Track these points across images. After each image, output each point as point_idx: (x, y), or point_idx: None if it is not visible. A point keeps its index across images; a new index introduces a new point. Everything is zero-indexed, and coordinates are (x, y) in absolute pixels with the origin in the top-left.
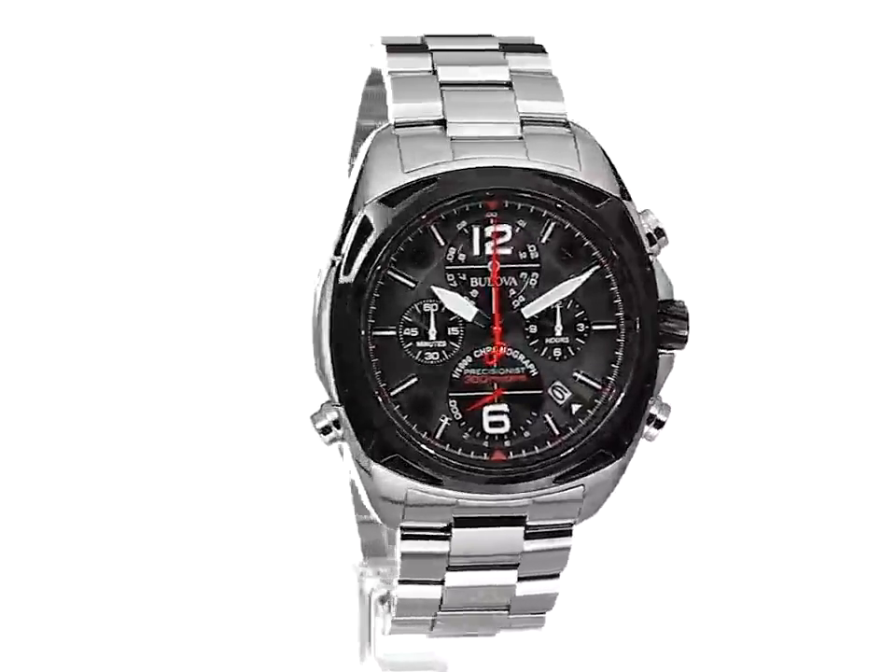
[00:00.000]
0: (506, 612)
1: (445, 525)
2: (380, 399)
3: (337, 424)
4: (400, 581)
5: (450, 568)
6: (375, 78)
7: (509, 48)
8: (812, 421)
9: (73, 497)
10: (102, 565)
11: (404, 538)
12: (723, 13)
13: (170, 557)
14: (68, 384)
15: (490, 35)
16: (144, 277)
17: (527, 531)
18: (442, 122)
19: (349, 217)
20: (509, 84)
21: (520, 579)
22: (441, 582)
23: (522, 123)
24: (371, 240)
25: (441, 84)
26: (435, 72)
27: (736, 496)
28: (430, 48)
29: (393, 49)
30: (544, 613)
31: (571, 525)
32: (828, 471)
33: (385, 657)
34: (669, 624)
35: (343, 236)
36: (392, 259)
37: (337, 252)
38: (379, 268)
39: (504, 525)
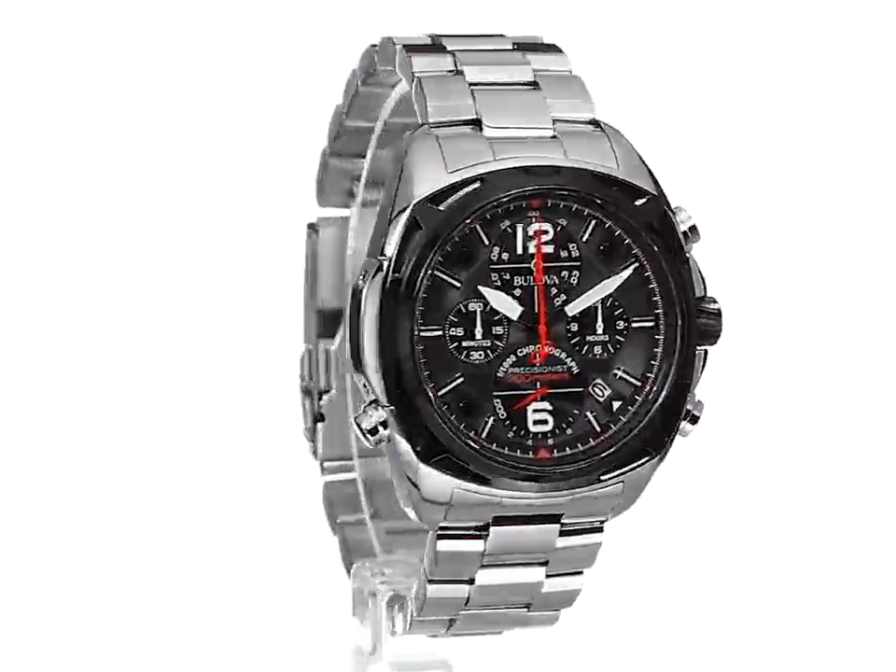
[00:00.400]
0: (525, 609)
1: (483, 523)
2: (431, 399)
3: (384, 424)
4: (431, 581)
5: (483, 567)
6: (374, 80)
7: (524, 47)
8: (819, 420)
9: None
10: (92, 567)
11: (440, 537)
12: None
13: (162, 559)
14: (51, 381)
15: (502, 35)
16: (137, 278)
17: (562, 528)
18: (476, 122)
19: (391, 216)
20: (535, 84)
21: (548, 576)
22: (472, 581)
23: (554, 122)
24: (421, 240)
25: (471, 84)
26: (461, 72)
27: (739, 496)
28: (449, 48)
29: (412, 49)
30: (560, 610)
31: (603, 521)
32: (839, 468)
33: (393, 658)
34: (672, 625)
35: (386, 236)
36: (438, 258)
37: (379, 252)
38: (428, 268)
39: (541, 523)
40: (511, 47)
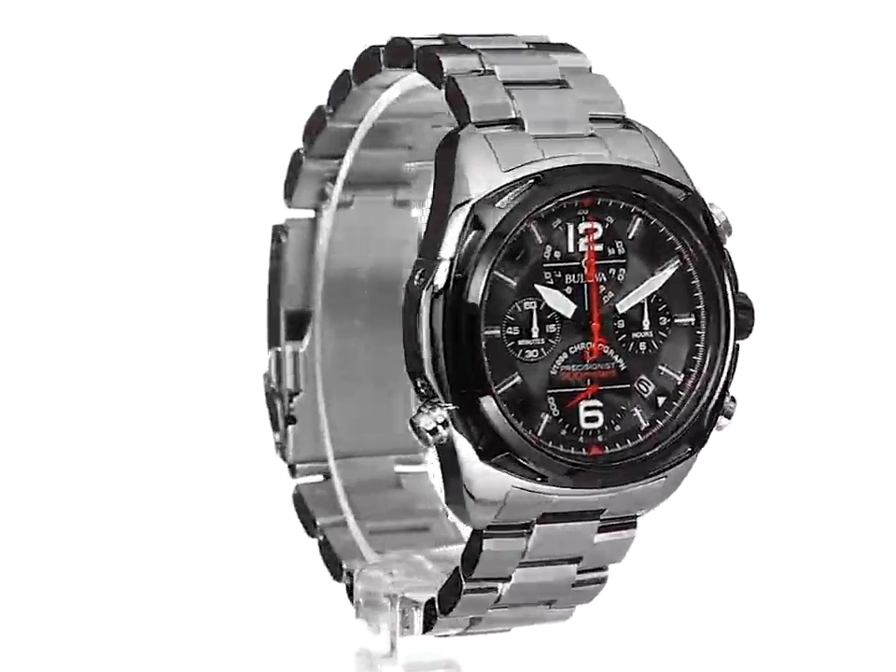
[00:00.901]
0: (547, 607)
1: (528, 521)
2: (496, 398)
3: (445, 423)
4: (468, 580)
5: (521, 565)
6: (371, 81)
7: (540, 46)
8: (822, 420)
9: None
10: (82, 570)
11: (486, 536)
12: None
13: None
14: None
15: (513, 35)
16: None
17: (601, 524)
18: (515, 121)
19: (446, 216)
20: (563, 82)
21: (579, 572)
22: (508, 579)
23: (590, 120)
24: (483, 240)
25: (504, 83)
26: (491, 71)
27: (740, 496)
28: (471, 47)
29: (437, 48)
30: (576, 606)
31: (637, 516)
32: (842, 468)
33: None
34: (680, 625)
35: (443, 236)
36: (500, 258)
37: (437, 252)
38: (492, 268)
39: (584, 520)
40: (526, 45)
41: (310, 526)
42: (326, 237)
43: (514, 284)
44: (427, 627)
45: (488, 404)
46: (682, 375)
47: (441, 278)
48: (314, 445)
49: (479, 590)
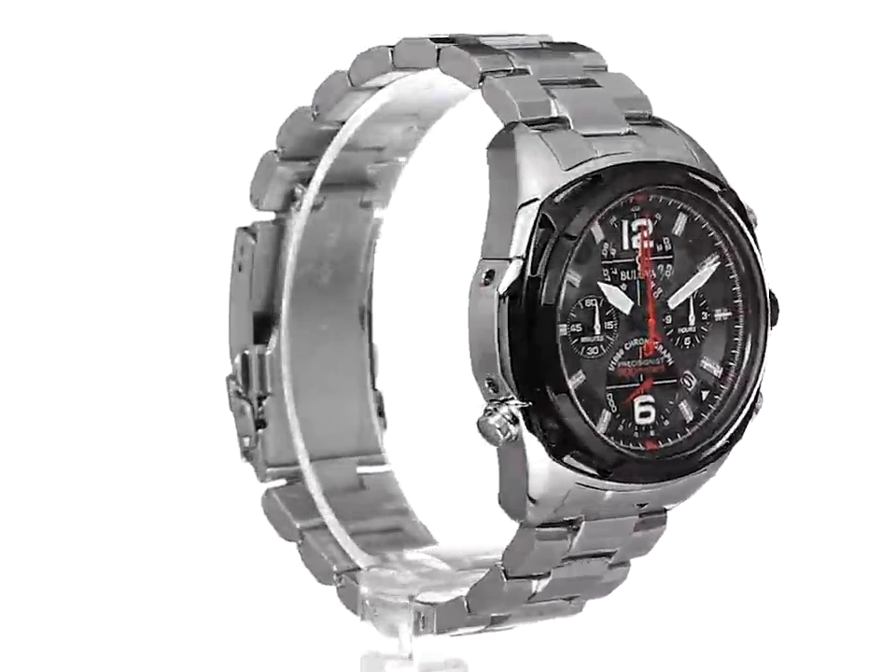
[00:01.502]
0: (568, 602)
1: (578, 517)
2: (571, 396)
3: (515, 421)
4: (510, 578)
5: (563, 560)
6: (371, 82)
7: (554, 45)
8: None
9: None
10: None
11: (540, 536)
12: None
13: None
14: None
15: (523, 34)
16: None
17: (640, 519)
18: (558, 119)
19: (510, 216)
20: (591, 80)
21: (609, 567)
22: (548, 575)
23: (626, 118)
24: (555, 239)
25: (541, 82)
26: (524, 70)
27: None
28: (495, 46)
29: (465, 48)
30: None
31: (667, 510)
32: (846, 469)
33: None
34: (684, 625)
35: (511, 236)
36: (570, 257)
37: (505, 252)
38: (565, 267)
39: (628, 515)
40: (541, 45)
41: (287, 530)
42: (295, 239)
43: (578, 282)
44: (449, 627)
45: (563, 402)
46: (721, 369)
47: (511, 279)
48: (285, 449)
49: (517, 588)
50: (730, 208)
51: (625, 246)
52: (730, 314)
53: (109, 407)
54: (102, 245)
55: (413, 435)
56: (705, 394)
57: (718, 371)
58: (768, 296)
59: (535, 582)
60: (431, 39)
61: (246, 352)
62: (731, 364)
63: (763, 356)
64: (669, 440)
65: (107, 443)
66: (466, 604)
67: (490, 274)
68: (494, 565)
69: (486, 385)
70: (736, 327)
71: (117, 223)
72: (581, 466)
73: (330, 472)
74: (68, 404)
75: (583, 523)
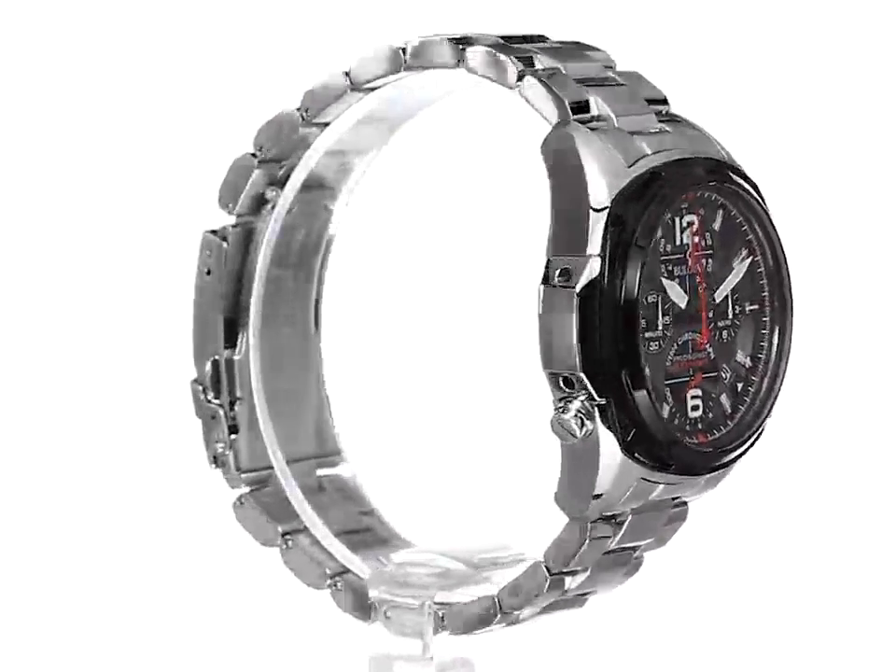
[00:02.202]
0: (581, 597)
1: (625, 511)
2: (649, 391)
3: (590, 416)
4: (553, 574)
5: (604, 555)
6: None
7: (565, 45)
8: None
9: None
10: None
11: (593, 531)
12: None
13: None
14: None
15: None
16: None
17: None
18: (600, 118)
19: (580, 214)
20: (612, 79)
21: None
22: (586, 570)
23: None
24: (628, 236)
25: (576, 81)
26: (559, 70)
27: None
28: (521, 47)
29: (494, 48)
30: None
31: (686, 503)
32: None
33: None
34: (689, 624)
35: (586, 234)
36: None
37: (580, 250)
38: (643, 264)
39: (665, 508)
40: (555, 44)
41: (267, 535)
42: (266, 242)
43: (644, 278)
44: (475, 627)
45: (641, 397)
46: (751, 361)
47: (591, 276)
48: (259, 453)
49: (555, 584)
50: (762, 202)
51: (678, 242)
52: (756, 306)
53: (75, 412)
54: (61, 246)
55: (375, 435)
56: (739, 386)
57: (749, 364)
58: (791, 289)
59: (569, 579)
60: (449, 40)
61: (216, 357)
62: (760, 356)
63: (790, 349)
64: (715, 431)
65: (72, 449)
66: (497, 602)
67: (564, 273)
68: (535, 561)
69: (559, 382)
70: (764, 319)
71: (71, 228)
72: (646, 460)
73: (300, 475)
74: (30, 409)
75: (630, 517)
